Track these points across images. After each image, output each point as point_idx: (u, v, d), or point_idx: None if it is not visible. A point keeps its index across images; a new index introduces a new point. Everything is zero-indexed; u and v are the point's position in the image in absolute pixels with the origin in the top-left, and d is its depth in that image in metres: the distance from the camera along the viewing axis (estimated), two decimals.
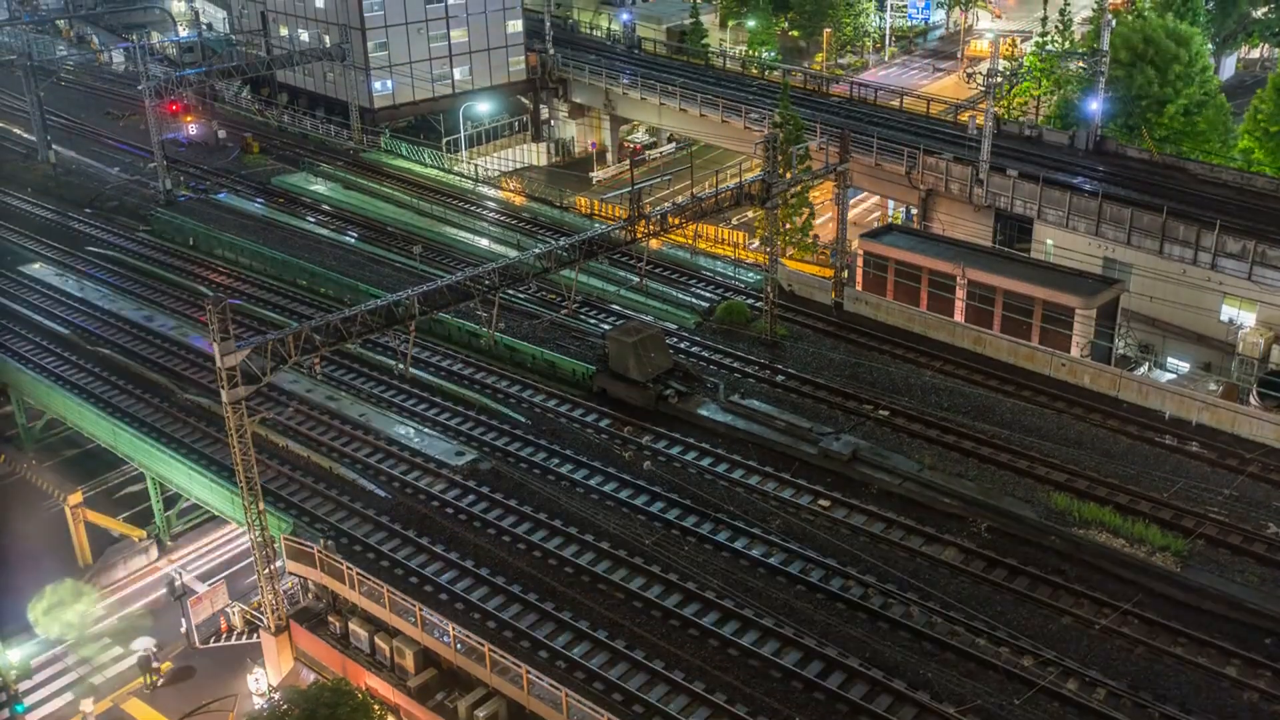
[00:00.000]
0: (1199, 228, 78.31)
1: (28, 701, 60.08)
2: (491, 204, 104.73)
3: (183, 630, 62.22)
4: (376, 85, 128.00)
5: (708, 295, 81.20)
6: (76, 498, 70.66)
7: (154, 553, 71.56)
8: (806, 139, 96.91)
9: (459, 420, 66.25)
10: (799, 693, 44.99)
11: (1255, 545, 51.47)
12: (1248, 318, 76.46)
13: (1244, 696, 43.62)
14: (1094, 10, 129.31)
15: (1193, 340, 78.58)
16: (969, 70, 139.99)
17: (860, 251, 79.25)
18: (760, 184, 68.67)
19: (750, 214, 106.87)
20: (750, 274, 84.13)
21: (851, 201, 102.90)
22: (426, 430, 64.96)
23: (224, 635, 58.35)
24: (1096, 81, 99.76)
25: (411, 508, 58.03)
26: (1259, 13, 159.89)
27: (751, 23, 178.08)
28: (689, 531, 54.66)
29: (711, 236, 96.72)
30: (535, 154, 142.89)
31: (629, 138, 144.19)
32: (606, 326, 74.22)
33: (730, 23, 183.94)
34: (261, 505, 51.47)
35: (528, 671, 45.37)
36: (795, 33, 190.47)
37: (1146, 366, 73.22)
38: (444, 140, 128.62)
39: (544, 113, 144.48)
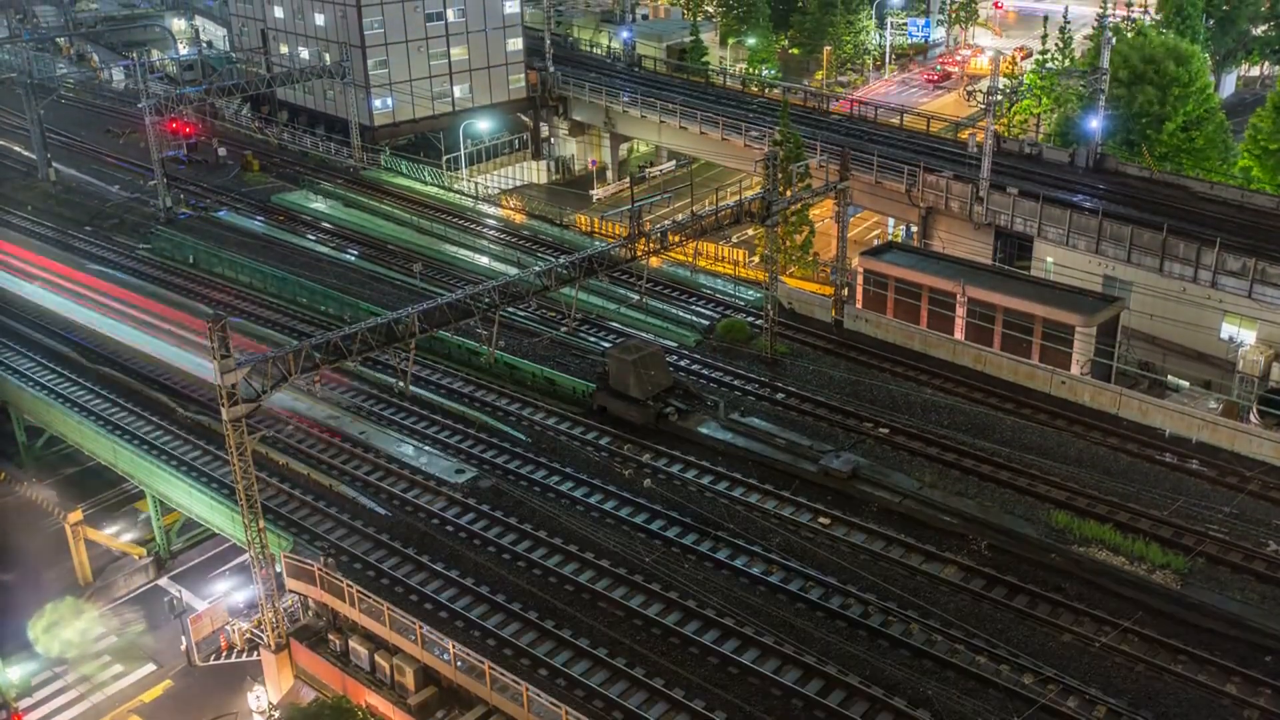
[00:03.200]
0: (1199, 245, 78.40)
1: None
2: (491, 222, 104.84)
3: (182, 648, 62.12)
4: (376, 103, 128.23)
5: (708, 313, 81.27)
6: (76, 516, 70.63)
7: (153, 570, 71.59)
8: (806, 157, 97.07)
9: (459, 438, 66.25)
10: (799, 711, 44.92)
11: (1255, 563, 51.49)
12: (1248, 335, 76.47)
13: (1244, 714, 43.57)
14: (1094, 28, 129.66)
15: (1193, 358, 78.56)
16: (969, 88, 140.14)
17: (860, 269, 79.28)
18: (760, 202, 68.77)
19: (750, 232, 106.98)
20: (750, 292, 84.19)
21: (851, 220, 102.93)
22: (427, 448, 64.97)
23: (224, 653, 58.22)
24: (1096, 99, 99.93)
25: (412, 525, 58.01)
26: (1258, 30, 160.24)
27: (751, 40, 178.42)
28: (689, 549, 54.65)
29: (712, 254, 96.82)
30: (535, 172, 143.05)
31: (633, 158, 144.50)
32: (606, 344, 74.27)
33: (730, 40, 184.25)
34: (262, 523, 51.43)
35: (527, 689, 45.32)
36: (795, 50, 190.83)
37: (1151, 385, 73.07)
38: (444, 158, 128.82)
39: (544, 130, 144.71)
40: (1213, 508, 55.72)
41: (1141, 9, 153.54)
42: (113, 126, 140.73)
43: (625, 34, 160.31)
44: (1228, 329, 77.68)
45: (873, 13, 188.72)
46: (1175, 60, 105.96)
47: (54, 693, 63.52)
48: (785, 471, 60.41)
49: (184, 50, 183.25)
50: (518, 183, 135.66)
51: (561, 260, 62.49)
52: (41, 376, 77.06)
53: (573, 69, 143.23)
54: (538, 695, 45.16)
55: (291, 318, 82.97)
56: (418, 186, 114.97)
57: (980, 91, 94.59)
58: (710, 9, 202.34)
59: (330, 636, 53.46)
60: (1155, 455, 61.15)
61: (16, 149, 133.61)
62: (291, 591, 55.10)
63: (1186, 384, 72.01)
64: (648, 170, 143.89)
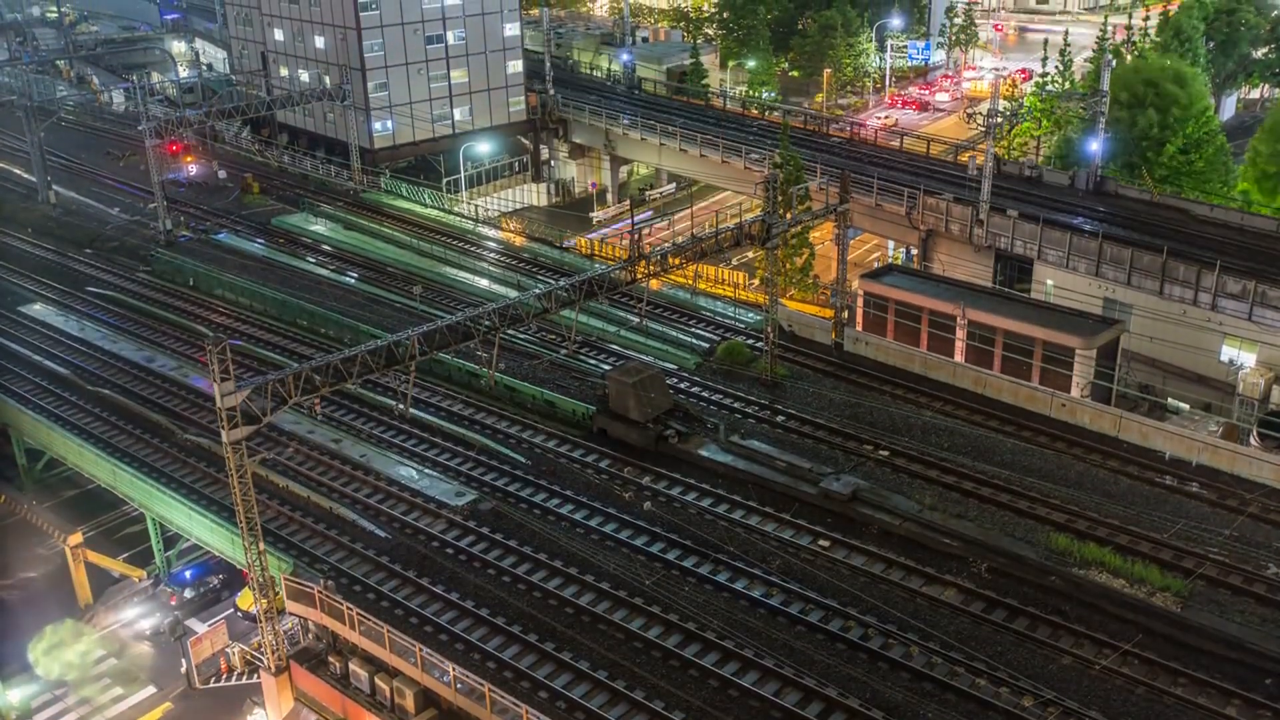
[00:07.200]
0: (1199, 268, 78.52)
1: None
2: (491, 244, 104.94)
3: (183, 670, 62.08)
4: (376, 125, 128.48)
5: (708, 335, 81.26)
6: (76, 538, 70.62)
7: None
8: (807, 179, 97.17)
9: (459, 461, 66.21)
10: None
11: (1255, 586, 51.42)
12: (1248, 358, 76.51)
13: None
14: (1094, 50, 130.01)
15: (1193, 380, 78.59)
16: (969, 111, 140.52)
17: (860, 292, 79.35)
18: (760, 224, 68.81)
19: (750, 254, 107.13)
20: (750, 314, 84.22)
21: (851, 242, 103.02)
22: (427, 471, 64.93)
23: (224, 676, 58.16)
24: (1096, 122, 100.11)
25: (412, 548, 57.95)
26: (1259, 53, 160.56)
27: (751, 63, 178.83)
28: (689, 572, 54.57)
29: (711, 277, 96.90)
30: (535, 194, 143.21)
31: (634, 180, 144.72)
32: (606, 367, 74.27)
33: (730, 63, 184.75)
34: (262, 546, 51.40)
35: (527, 712, 45.22)
36: (795, 73, 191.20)
37: (1151, 407, 73.09)
38: (444, 180, 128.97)
39: (544, 153, 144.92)
40: (1213, 530, 55.69)
41: (1141, 31, 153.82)
42: (113, 149, 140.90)
43: (625, 57, 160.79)
44: (1228, 351, 77.74)
45: (872, 35, 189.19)
46: (1175, 83, 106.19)
47: (54, 715, 63.50)
48: (785, 494, 60.39)
49: (184, 73, 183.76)
50: (518, 205, 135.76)
51: (561, 283, 62.53)
52: (41, 399, 77.05)
53: (573, 91, 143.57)
54: (538, 718, 45.09)
55: (292, 340, 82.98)
56: (418, 209, 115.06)
57: (980, 114, 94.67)
58: (710, 31, 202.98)
59: (330, 659, 53.38)
60: (1155, 478, 61.10)
61: (17, 171, 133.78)
62: (291, 614, 55.03)
63: (1186, 406, 72.04)
64: (648, 193, 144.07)
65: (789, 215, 73.99)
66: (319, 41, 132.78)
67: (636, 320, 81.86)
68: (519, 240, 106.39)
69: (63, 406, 75.88)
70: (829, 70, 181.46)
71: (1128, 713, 44.65)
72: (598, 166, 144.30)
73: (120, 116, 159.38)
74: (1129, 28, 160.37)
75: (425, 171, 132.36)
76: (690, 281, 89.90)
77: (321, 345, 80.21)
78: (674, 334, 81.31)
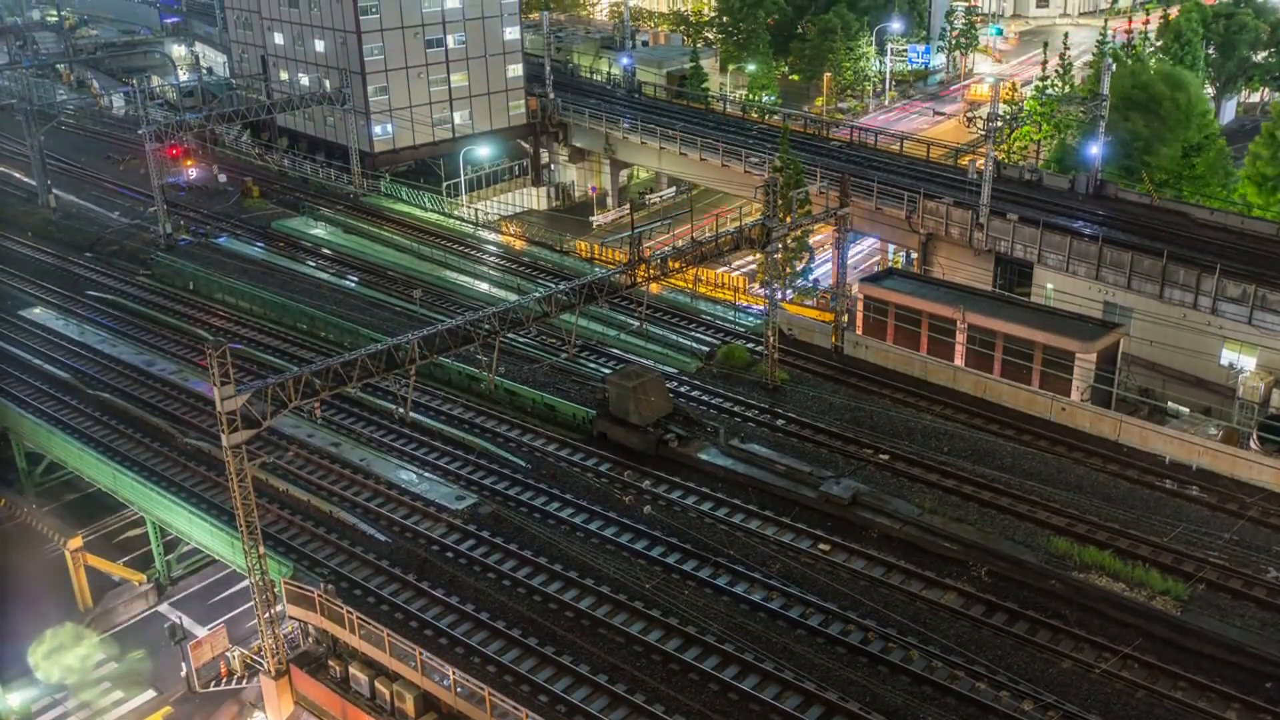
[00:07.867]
0: (1199, 272, 78.48)
1: None
2: (491, 248, 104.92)
3: (182, 674, 62.01)
4: (376, 129, 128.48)
5: (708, 339, 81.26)
6: (76, 542, 70.55)
7: (153, 597, 71.53)
8: (806, 183, 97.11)
9: (459, 464, 66.19)
10: None
11: (1256, 589, 51.41)
12: (1248, 362, 76.46)
13: None
14: (1094, 54, 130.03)
15: (1193, 384, 78.53)
16: (969, 114, 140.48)
17: (860, 296, 79.32)
18: (760, 228, 68.79)
19: (751, 258, 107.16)
20: (750, 318, 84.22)
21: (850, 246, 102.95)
22: (427, 474, 64.91)
23: (224, 679, 58.13)
24: (1096, 126, 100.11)
25: (412, 552, 57.95)
26: (1259, 56, 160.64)
27: (751, 67, 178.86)
28: (689, 575, 54.57)
29: (711, 281, 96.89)
30: (535, 198, 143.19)
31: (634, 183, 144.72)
32: (606, 371, 74.25)
33: (730, 67, 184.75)
34: (262, 549, 51.36)
35: (528, 715, 45.21)
36: (795, 77, 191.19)
37: (1151, 411, 73.04)
38: (444, 184, 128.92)
39: (544, 157, 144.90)
40: (1213, 534, 55.68)
41: (1141, 35, 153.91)
42: (113, 153, 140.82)
43: (625, 60, 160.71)
44: (1228, 355, 77.70)
45: (872, 39, 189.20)
46: (1173, 87, 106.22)
47: (54, 719, 63.44)
48: (785, 498, 60.39)
49: (184, 76, 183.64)
50: (518, 209, 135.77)
51: (561, 286, 62.53)
52: (42, 403, 77.00)
53: (573, 95, 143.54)
54: None
55: (291, 344, 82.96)
56: (418, 213, 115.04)
57: (980, 118, 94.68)
58: (710, 35, 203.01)
59: (330, 663, 53.37)
60: (1155, 481, 61.11)
61: (17, 175, 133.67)
62: (291, 618, 55.03)
63: (1186, 410, 71.96)
64: (648, 196, 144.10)
65: (789, 219, 73.98)
66: (319, 45, 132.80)
67: (636, 324, 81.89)
68: (519, 244, 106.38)
69: (63, 410, 75.88)
70: (829, 74, 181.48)
71: (1128, 716, 44.67)
72: (598, 170, 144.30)
73: (120, 120, 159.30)
74: (1129, 31, 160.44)
75: (425, 175, 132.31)
76: (690, 285, 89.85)
77: (321, 349, 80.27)
78: (674, 338, 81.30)
